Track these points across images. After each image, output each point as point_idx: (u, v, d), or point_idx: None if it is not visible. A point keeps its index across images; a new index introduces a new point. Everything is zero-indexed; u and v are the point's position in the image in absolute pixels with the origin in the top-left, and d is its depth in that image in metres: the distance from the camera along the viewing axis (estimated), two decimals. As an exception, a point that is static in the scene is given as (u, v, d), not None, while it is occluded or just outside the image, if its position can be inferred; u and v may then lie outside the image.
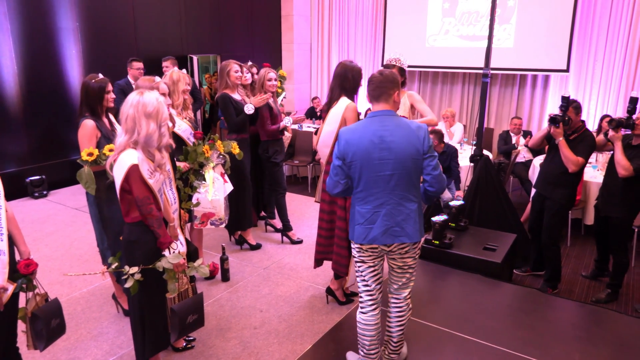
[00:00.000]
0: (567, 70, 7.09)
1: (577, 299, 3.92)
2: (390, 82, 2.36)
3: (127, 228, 2.35)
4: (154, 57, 6.56)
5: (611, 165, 3.75)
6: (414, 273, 2.52)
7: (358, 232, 2.39)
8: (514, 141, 6.35)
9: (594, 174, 5.02)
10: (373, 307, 2.52)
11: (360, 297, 2.54)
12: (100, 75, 3.02)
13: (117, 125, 3.05)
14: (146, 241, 2.33)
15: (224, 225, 3.47)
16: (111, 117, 3.11)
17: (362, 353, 2.58)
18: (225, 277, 3.80)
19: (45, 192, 5.83)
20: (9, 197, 3.00)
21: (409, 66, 4.36)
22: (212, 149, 3.34)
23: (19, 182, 5.68)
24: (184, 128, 3.42)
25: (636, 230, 4.45)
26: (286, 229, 4.53)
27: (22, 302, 2.31)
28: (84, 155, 2.76)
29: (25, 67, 5.67)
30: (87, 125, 2.91)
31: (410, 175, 2.32)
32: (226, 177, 3.48)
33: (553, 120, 3.65)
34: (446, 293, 3.54)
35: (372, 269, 2.47)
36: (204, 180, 3.26)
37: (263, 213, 4.89)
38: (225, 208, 3.47)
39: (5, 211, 2.18)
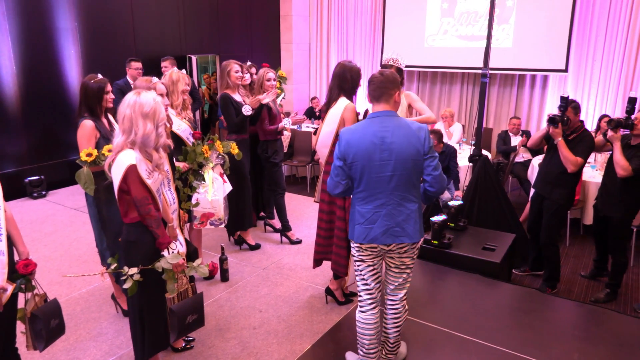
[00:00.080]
0: (565, 70, 7.10)
1: (576, 299, 3.93)
2: (390, 83, 2.36)
3: (126, 228, 2.35)
4: (153, 57, 6.56)
5: (610, 165, 3.75)
6: (411, 274, 2.52)
7: (358, 232, 2.39)
8: (513, 142, 6.36)
9: (592, 173, 5.03)
10: (372, 306, 2.52)
11: (360, 296, 2.54)
12: (100, 76, 3.02)
13: (116, 126, 3.04)
14: (145, 242, 2.32)
15: (223, 225, 3.47)
16: (110, 117, 3.10)
17: (361, 353, 2.58)
18: (225, 278, 3.80)
19: (44, 193, 5.82)
20: (7, 197, 3.00)
21: (408, 66, 4.37)
22: (211, 149, 3.34)
23: (17, 182, 5.68)
24: (183, 128, 3.42)
25: (635, 230, 4.46)
26: (285, 229, 4.53)
27: (20, 303, 2.31)
28: (83, 156, 2.76)
29: (24, 67, 5.67)
30: (86, 126, 2.91)
31: (410, 175, 2.32)
32: (225, 177, 3.48)
33: (552, 120, 3.65)
34: (445, 293, 3.54)
35: (371, 268, 2.47)
36: (203, 180, 3.26)
37: (262, 213, 4.89)
38: (225, 208, 3.47)
39: (4, 211, 2.17)
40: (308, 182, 6.84)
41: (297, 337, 3.09)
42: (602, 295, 3.91)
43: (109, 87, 3.03)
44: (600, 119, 5.70)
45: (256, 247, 4.39)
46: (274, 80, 4.29)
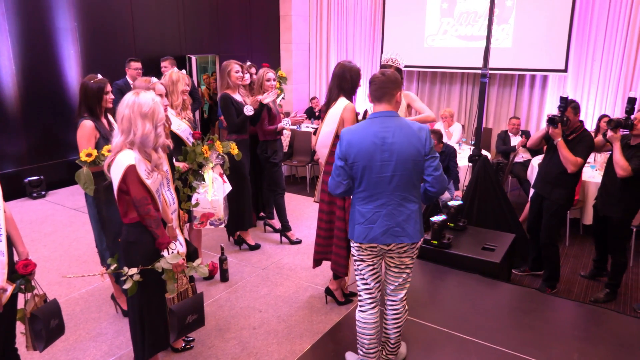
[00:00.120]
0: (565, 70, 7.10)
1: (575, 299, 3.93)
2: (392, 83, 2.36)
3: (126, 229, 2.35)
4: (152, 57, 6.56)
5: (610, 165, 3.75)
6: (411, 274, 2.52)
7: (358, 231, 2.40)
8: (513, 142, 6.36)
9: (592, 173, 5.03)
10: (372, 305, 2.52)
11: (360, 295, 2.55)
12: (99, 76, 3.02)
13: (115, 126, 3.04)
14: (145, 242, 2.32)
15: (223, 225, 3.47)
16: (110, 117, 3.10)
17: (361, 352, 2.58)
18: (224, 278, 3.80)
19: (43, 193, 5.82)
20: (7, 197, 3.00)
21: (407, 66, 4.38)
22: (211, 149, 3.34)
23: (17, 182, 5.67)
24: (183, 128, 3.42)
25: (634, 230, 4.46)
26: (285, 229, 4.53)
27: (20, 304, 2.30)
28: (83, 156, 2.76)
29: (23, 67, 5.66)
30: (86, 126, 2.91)
31: (411, 176, 2.32)
32: (225, 177, 3.48)
33: (551, 121, 3.65)
34: (445, 293, 3.55)
35: (371, 267, 2.48)
36: (203, 180, 3.26)
37: (262, 213, 4.89)
38: (225, 208, 3.47)
39: (4, 212, 2.17)
40: (308, 182, 6.85)
41: (296, 337, 3.09)
42: (602, 295, 3.92)
43: (108, 88, 3.03)
44: (599, 119, 5.70)
45: (256, 247, 4.39)
46: (274, 80, 4.29)
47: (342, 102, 3.12)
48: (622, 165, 3.53)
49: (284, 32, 9.21)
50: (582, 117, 6.33)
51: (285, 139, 6.75)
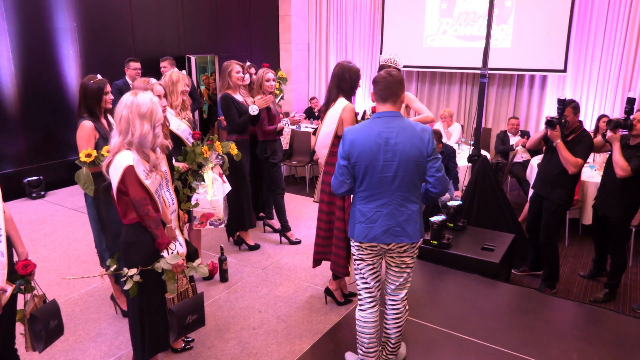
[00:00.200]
0: (564, 71, 7.11)
1: (575, 299, 3.93)
2: (399, 84, 2.36)
3: (125, 229, 2.35)
4: (152, 57, 6.55)
5: (609, 165, 3.76)
6: (411, 273, 2.53)
7: (359, 231, 2.40)
8: (512, 142, 6.37)
9: (591, 174, 5.04)
10: (372, 304, 2.53)
11: (359, 295, 2.55)
12: (99, 76, 3.02)
13: (114, 126, 3.04)
14: (144, 242, 2.32)
15: (223, 225, 3.47)
16: (110, 117, 3.10)
17: (360, 352, 2.58)
18: (224, 278, 3.80)
19: (43, 193, 5.81)
20: (6, 197, 2.99)
21: (406, 66, 4.38)
22: (211, 150, 3.34)
23: (16, 182, 5.67)
24: (182, 128, 3.43)
25: (634, 230, 4.46)
26: (284, 229, 4.53)
27: (19, 304, 2.30)
28: (82, 157, 2.76)
29: (22, 68, 5.66)
30: (86, 126, 2.91)
31: (413, 177, 2.33)
32: (224, 178, 3.48)
33: (549, 123, 3.66)
34: (444, 293, 3.55)
35: (371, 267, 2.48)
36: (203, 180, 3.26)
37: (261, 213, 4.89)
38: (224, 208, 3.47)
39: (3, 212, 2.17)
40: (307, 182, 6.85)
41: (296, 338, 3.09)
42: (601, 295, 3.92)
43: (108, 88, 3.03)
44: (598, 119, 5.71)
45: (255, 247, 4.39)
46: (273, 80, 4.29)
47: (342, 102, 3.12)
48: (621, 166, 3.53)
49: (283, 32, 9.21)
50: (581, 118, 6.33)
51: (285, 137, 6.74)
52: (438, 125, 6.56)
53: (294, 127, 6.91)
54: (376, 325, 2.54)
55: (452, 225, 4.05)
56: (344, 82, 3.12)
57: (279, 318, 3.31)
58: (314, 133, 3.77)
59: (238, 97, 4.13)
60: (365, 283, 2.51)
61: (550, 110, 7.27)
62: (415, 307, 3.14)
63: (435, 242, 3.74)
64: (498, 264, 3.53)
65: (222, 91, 4.13)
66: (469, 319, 3.15)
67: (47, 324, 2.29)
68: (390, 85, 2.34)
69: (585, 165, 4.38)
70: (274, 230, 4.71)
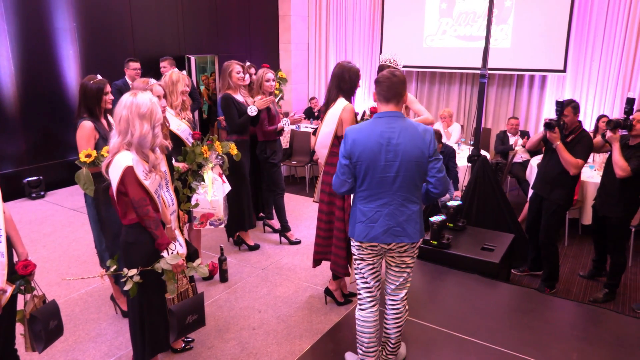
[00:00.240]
0: (564, 71, 7.11)
1: (574, 299, 3.94)
2: (403, 84, 2.37)
3: (125, 230, 2.35)
4: (152, 57, 6.55)
5: (609, 165, 3.76)
6: (411, 273, 2.53)
7: (359, 230, 2.40)
8: (511, 142, 6.37)
9: (591, 174, 5.04)
10: (372, 304, 2.53)
11: (359, 294, 2.56)
12: (99, 77, 3.02)
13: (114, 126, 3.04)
14: (144, 243, 2.32)
15: (223, 225, 3.47)
16: (110, 118, 3.10)
17: (360, 351, 2.58)
18: (224, 278, 3.80)
19: (42, 193, 5.81)
20: (6, 198, 2.99)
21: (406, 66, 4.38)
22: (211, 150, 3.34)
23: (16, 183, 5.66)
24: (182, 128, 3.43)
25: (633, 230, 4.47)
26: (284, 229, 4.53)
27: (19, 305, 2.30)
28: (82, 157, 2.75)
29: (22, 68, 5.66)
30: (86, 127, 2.91)
31: (414, 177, 2.33)
32: (224, 178, 3.48)
33: (548, 125, 3.66)
34: (444, 293, 3.55)
35: (371, 266, 2.49)
36: (203, 181, 3.26)
37: (261, 214, 4.89)
38: (224, 208, 3.47)
39: (3, 213, 2.17)
40: (307, 183, 6.85)
41: (296, 338, 3.09)
42: (601, 295, 3.92)
43: (108, 88, 3.03)
44: (598, 120, 5.71)
45: (255, 247, 4.39)
46: (273, 80, 4.28)
47: (341, 102, 3.12)
48: (621, 166, 3.54)
49: (283, 32, 9.21)
50: (580, 118, 6.33)
51: (285, 136, 6.74)
52: (438, 125, 6.56)
53: (293, 126, 6.91)
54: (376, 324, 2.54)
55: (451, 225, 4.05)
56: (343, 82, 3.12)
57: (278, 318, 3.31)
58: (314, 133, 3.78)
59: (239, 97, 4.13)
60: (365, 283, 2.52)
61: (550, 110, 7.27)
62: (415, 307, 3.14)
63: (435, 242, 3.74)
64: (498, 264, 3.53)
65: (222, 91, 4.13)
66: (469, 319, 3.15)
67: (47, 325, 2.29)
68: (394, 86, 2.34)
69: (585, 165, 4.38)
70: (273, 231, 4.71)
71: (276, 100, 4.59)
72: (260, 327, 3.21)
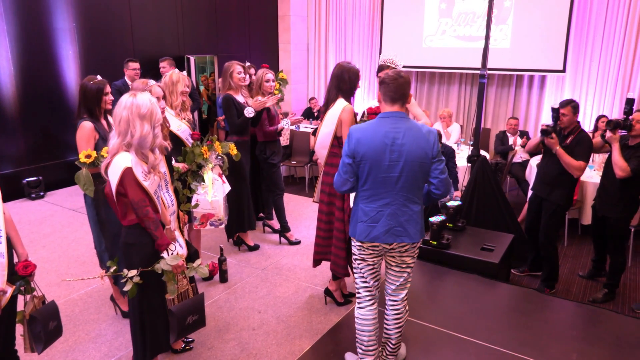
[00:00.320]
0: (563, 71, 7.11)
1: (574, 299, 3.94)
2: (408, 86, 2.38)
3: (125, 231, 2.35)
4: (151, 57, 6.55)
5: (608, 165, 3.77)
6: (412, 273, 2.53)
7: (360, 230, 2.41)
8: (510, 142, 6.38)
9: (590, 174, 5.05)
10: (371, 302, 2.54)
11: (358, 292, 2.56)
12: (99, 77, 3.02)
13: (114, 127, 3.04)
14: (144, 244, 2.32)
15: (223, 225, 3.47)
16: (109, 118, 3.10)
17: (360, 350, 2.58)
18: (224, 279, 3.80)
19: (42, 194, 5.81)
20: (5, 198, 2.99)
21: (406, 66, 4.38)
22: (210, 150, 3.34)
23: (15, 183, 5.66)
24: (182, 129, 3.43)
25: (633, 230, 4.47)
26: (284, 229, 4.53)
27: (19, 305, 2.30)
28: (82, 157, 2.75)
29: (21, 68, 5.65)
30: (85, 127, 2.91)
31: (417, 177, 2.34)
32: (224, 178, 3.48)
33: (544, 132, 3.67)
34: (444, 293, 3.55)
35: (371, 267, 2.50)
36: (203, 181, 3.26)
37: (261, 214, 4.89)
38: (225, 209, 3.47)
39: (3, 213, 2.17)
40: (307, 183, 6.85)
41: (296, 338, 3.09)
42: (600, 296, 3.93)
43: (107, 89, 3.03)
44: (597, 120, 5.72)
45: (255, 248, 4.39)
46: (273, 81, 4.28)
47: (341, 103, 3.12)
48: (621, 166, 3.54)
49: (282, 33, 9.21)
50: (580, 118, 6.33)
51: (285, 133, 6.73)
52: (437, 126, 6.57)
53: (293, 127, 6.91)
54: (375, 322, 2.54)
55: (451, 225, 4.05)
56: (343, 82, 3.12)
57: (278, 318, 3.31)
58: (314, 133, 3.77)
59: (240, 97, 4.13)
60: (365, 282, 2.52)
61: (549, 110, 7.27)
62: (415, 308, 3.14)
63: (435, 243, 3.75)
64: (497, 264, 3.53)
65: (223, 92, 4.13)
66: (469, 319, 3.15)
67: (46, 325, 2.29)
68: (400, 87, 2.34)
69: (585, 165, 4.39)
70: (273, 231, 4.71)
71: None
72: (260, 327, 3.21)
